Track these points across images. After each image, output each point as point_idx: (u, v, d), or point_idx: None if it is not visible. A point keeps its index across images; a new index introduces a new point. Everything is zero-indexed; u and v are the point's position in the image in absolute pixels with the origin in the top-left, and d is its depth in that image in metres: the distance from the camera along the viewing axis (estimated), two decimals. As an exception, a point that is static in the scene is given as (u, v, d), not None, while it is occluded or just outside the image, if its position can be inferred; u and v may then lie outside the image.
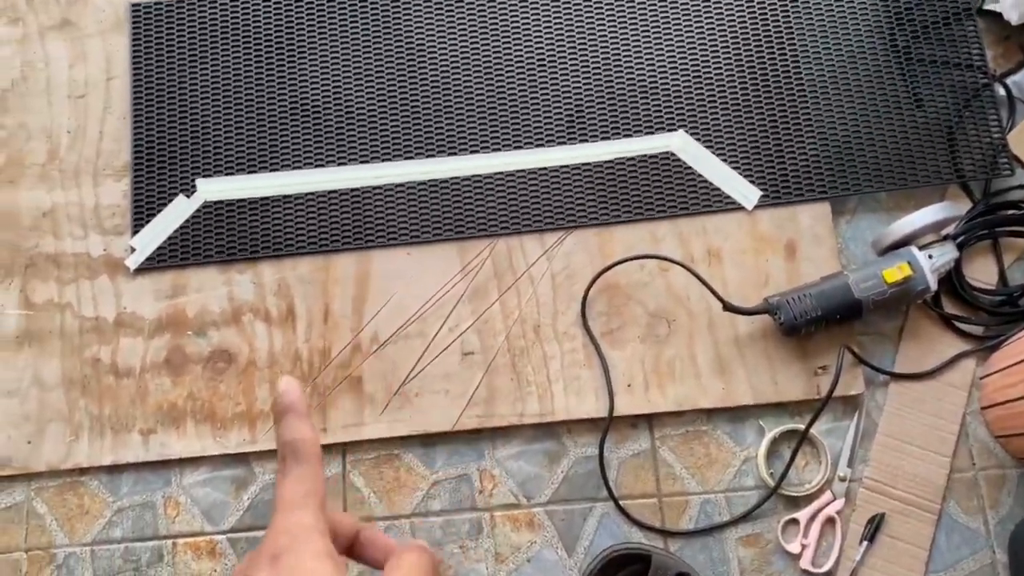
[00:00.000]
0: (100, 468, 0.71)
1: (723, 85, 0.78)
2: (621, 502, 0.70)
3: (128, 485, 0.71)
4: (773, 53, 0.78)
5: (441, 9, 0.80)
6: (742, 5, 0.80)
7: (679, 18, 0.79)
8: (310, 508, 0.31)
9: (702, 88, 0.78)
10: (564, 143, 0.77)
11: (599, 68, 0.78)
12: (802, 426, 0.70)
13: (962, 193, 0.76)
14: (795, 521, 0.69)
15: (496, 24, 0.80)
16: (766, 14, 0.79)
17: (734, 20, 0.79)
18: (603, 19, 0.80)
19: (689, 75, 0.78)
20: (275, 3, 0.80)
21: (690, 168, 0.75)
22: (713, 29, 0.79)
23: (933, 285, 0.69)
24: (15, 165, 0.76)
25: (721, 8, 0.80)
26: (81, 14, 0.80)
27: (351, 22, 0.80)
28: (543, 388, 0.71)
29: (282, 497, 0.31)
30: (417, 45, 0.79)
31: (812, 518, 0.69)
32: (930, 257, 0.70)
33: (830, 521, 0.69)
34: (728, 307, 0.69)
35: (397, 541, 0.34)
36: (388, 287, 0.73)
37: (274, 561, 0.29)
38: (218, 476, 0.71)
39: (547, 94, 0.78)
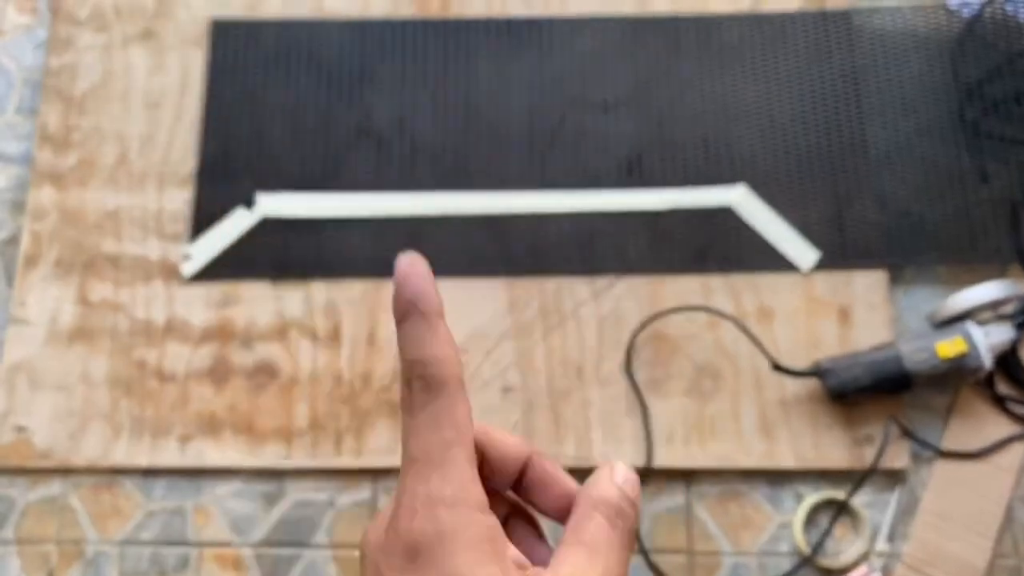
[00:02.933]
0: (136, 470, 0.72)
1: (787, 143, 0.77)
2: (651, 555, 0.69)
3: (161, 489, 0.72)
4: (839, 116, 0.78)
5: (508, 50, 0.81)
6: (812, 68, 0.80)
7: (746, 73, 0.80)
8: (457, 466, 0.22)
9: (765, 144, 0.78)
10: (622, 188, 0.77)
11: (662, 116, 0.79)
12: (842, 495, 0.69)
13: (1023, 273, 0.75)
14: (828, 593, 0.68)
15: (561, 66, 0.81)
16: (835, 77, 0.79)
17: (803, 80, 0.79)
18: (669, 68, 0.80)
19: (753, 130, 0.78)
20: (349, 33, 0.82)
21: (747, 225, 0.75)
22: (780, 87, 0.79)
23: (988, 364, 0.68)
24: (86, 166, 0.79)
25: (791, 68, 0.80)
26: (164, 27, 0.82)
27: (421, 56, 0.81)
28: (581, 432, 0.71)
29: (412, 450, 0.23)
30: (484, 82, 0.80)
31: (846, 592, 0.68)
32: (987, 335, 0.68)
33: (865, 597, 0.68)
34: (777, 367, 0.68)
35: (581, 489, 0.26)
36: (435, 316, 0.74)
37: (411, 559, 0.21)
38: (250, 489, 0.72)
39: (608, 139, 0.78)
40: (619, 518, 0.25)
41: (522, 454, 0.26)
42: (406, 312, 0.24)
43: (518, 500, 0.28)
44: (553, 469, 0.27)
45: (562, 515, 0.27)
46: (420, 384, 0.23)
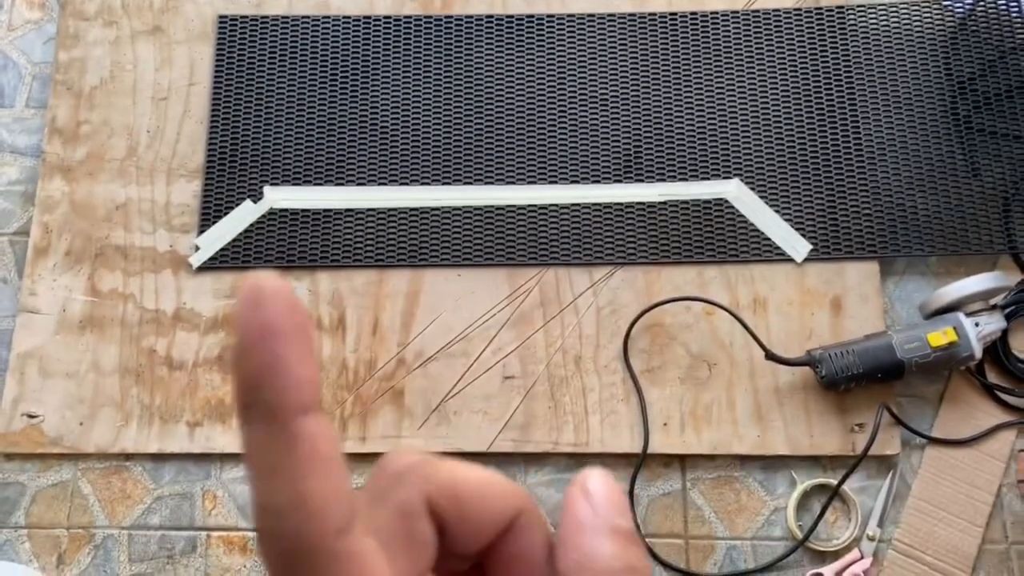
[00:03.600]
0: (145, 455, 0.74)
1: (781, 137, 0.79)
2: (647, 540, 0.71)
3: (170, 474, 0.74)
4: (833, 110, 0.80)
5: (509, 46, 0.83)
6: (806, 62, 0.81)
7: (742, 68, 0.81)
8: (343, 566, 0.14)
9: (760, 138, 0.79)
10: (620, 181, 0.78)
11: (659, 111, 0.80)
12: (834, 481, 0.70)
13: (1013, 265, 0.76)
14: (820, 576, 0.69)
15: (561, 62, 0.82)
16: (829, 74, 0.81)
17: (797, 76, 0.81)
18: (666, 64, 0.82)
19: (748, 125, 0.80)
20: (353, 26, 0.83)
21: (742, 216, 0.77)
22: (776, 81, 0.81)
23: (978, 353, 0.69)
24: (95, 159, 0.80)
25: (785, 63, 0.81)
26: (172, 22, 0.84)
27: (424, 51, 0.83)
28: (579, 419, 0.72)
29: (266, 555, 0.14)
30: (485, 77, 0.82)
31: (838, 575, 0.69)
32: (977, 325, 0.70)
33: (856, 580, 0.69)
34: (770, 356, 0.70)
35: (559, 556, 0.17)
36: (437, 305, 0.76)
37: None
38: (256, 474, 0.73)
39: (607, 133, 0.80)
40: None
41: (504, 518, 0.18)
42: (247, 403, 0.15)
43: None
44: (532, 548, 0.18)
45: None
46: (275, 550, 0.14)
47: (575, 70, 0.82)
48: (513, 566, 0.18)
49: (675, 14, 0.83)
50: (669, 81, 0.81)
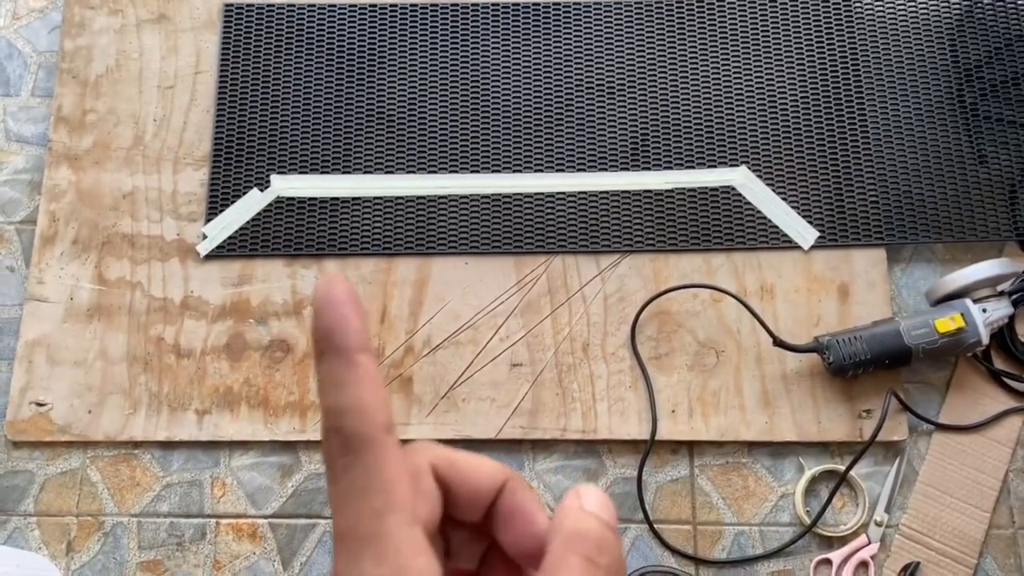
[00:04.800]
0: (154, 443, 0.74)
1: (787, 125, 0.79)
2: (656, 526, 0.71)
3: (179, 462, 0.74)
4: (840, 98, 0.80)
5: (515, 34, 0.83)
6: (812, 50, 0.81)
7: (748, 56, 0.81)
8: (392, 541, 0.19)
9: (767, 126, 0.79)
10: (627, 169, 0.78)
11: (666, 99, 0.80)
12: (842, 467, 0.70)
13: (1020, 251, 0.77)
14: (828, 561, 0.70)
15: (567, 50, 0.82)
16: (836, 61, 0.81)
17: (804, 63, 0.81)
18: (672, 51, 0.82)
19: (755, 112, 0.80)
20: (359, 14, 0.83)
21: (749, 204, 0.77)
22: (782, 69, 0.81)
23: (985, 339, 0.69)
24: (102, 147, 0.80)
25: (792, 51, 0.81)
26: (177, 10, 0.84)
27: (430, 39, 0.83)
28: (587, 406, 0.73)
29: (338, 526, 0.19)
30: (491, 65, 0.82)
31: (845, 560, 0.69)
32: (984, 311, 0.70)
33: (863, 565, 0.69)
34: (778, 342, 0.70)
35: (550, 525, 0.21)
36: (445, 293, 0.76)
37: None
38: (265, 462, 0.73)
39: (614, 121, 0.80)
40: (601, 554, 0.21)
41: (495, 480, 0.22)
42: (322, 349, 0.20)
43: None
44: (526, 502, 0.22)
45: (529, 560, 0.22)
46: (338, 441, 0.20)
47: (582, 57, 0.82)
48: (512, 521, 0.22)
49: (681, 1, 0.83)
50: (675, 69, 0.81)
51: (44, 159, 0.80)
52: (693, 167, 0.78)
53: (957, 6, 0.83)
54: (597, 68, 0.82)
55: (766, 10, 0.83)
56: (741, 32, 0.82)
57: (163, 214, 0.78)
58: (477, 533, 0.24)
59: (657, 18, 0.83)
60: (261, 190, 0.78)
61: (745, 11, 0.83)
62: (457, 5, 0.84)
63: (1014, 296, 0.73)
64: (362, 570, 0.19)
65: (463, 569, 0.24)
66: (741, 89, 0.80)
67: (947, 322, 0.69)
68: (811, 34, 0.82)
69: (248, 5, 0.84)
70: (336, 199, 0.78)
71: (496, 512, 0.23)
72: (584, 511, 0.21)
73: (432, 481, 0.22)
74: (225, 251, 0.77)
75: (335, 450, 0.20)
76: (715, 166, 0.78)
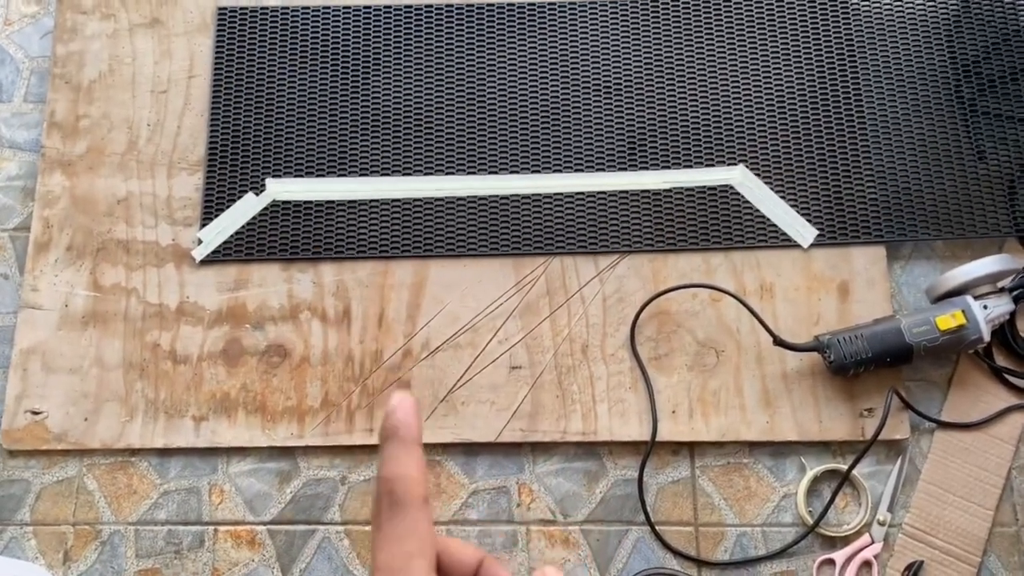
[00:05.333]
0: (151, 450, 0.73)
1: (786, 123, 0.79)
2: (657, 528, 0.70)
3: (176, 469, 0.73)
4: (837, 96, 0.79)
5: (511, 34, 0.82)
6: (809, 47, 0.81)
7: (745, 54, 0.81)
8: (416, 574, 0.25)
9: (764, 125, 0.79)
10: (624, 169, 0.78)
11: (663, 98, 0.80)
12: (844, 466, 0.70)
13: (1020, 247, 0.76)
14: (831, 562, 0.69)
15: (565, 50, 0.82)
16: (833, 59, 0.80)
17: (801, 61, 0.80)
18: (669, 50, 0.81)
19: (752, 111, 0.79)
20: (353, 16, 0.83)
21: (748, 203, 0.76)
22: (779, 67, 0.80)
23: (986, 336, 0.69)
24: (96, 153, 0.80)
25: (788, 48, 0.81)
26: (170, 14, 0.83)
27: (425, 41, 0.82)
28: (587, 407, 0.72)
29: (378, 561, 0.25)
30: (488, 66, 0.81)
31: (848, 560, 0.69)
32: (985, 308, 0.70)
33: (867, 564, 0.69)
34: (778, 342, 0.70)
35: None
36: (443, 296, 0.75)
37: None
38: (263, 468, 0.73)
39: (611, 121, 0.79)
40: None
41: (474, 559, 0.28)
42: (389, 436, 0.27)
43: None
44: (498, 573, 0.28)
45: None
46: (388, 500, 0.26)
47: (578, 58, 0.82)
48: None
49: (678, 1, 0.83)
50: (672, 67, 0.81)
51: (37, 165, 0.80)
52: (691, 166, 0.78)
53: (954, 2, 0.82)
54: (594, 68, 0.81)
55: (763, 8, 0.82)
56: (738, 30, 0.82)
57: (158, 219, 0.78)
58: None
59: (653, 17, 0.82)
60: (256, 194, 0.78)
61: (742, 9, 0.82)
62: (452, 7, 0.83)
63: (1015, 292, 0.72)
64: None
65: None
66: (738, 88, 0.80)
67: (948, 319, 0.69)
68: (808, 32, 0.81)
69: (241, 8, 0.83)
70: (332, 202, 0.77)
71: None
72: None
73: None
74: (221, 256, 0.76)
75: (384, 506, 0.26)
76: (713, 165, 0.78)
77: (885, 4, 0.82)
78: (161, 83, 0.81)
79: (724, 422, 0.71)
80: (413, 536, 0.25)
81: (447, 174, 0.78)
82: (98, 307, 0.76)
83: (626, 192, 0.77)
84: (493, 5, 0.83)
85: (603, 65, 0.81)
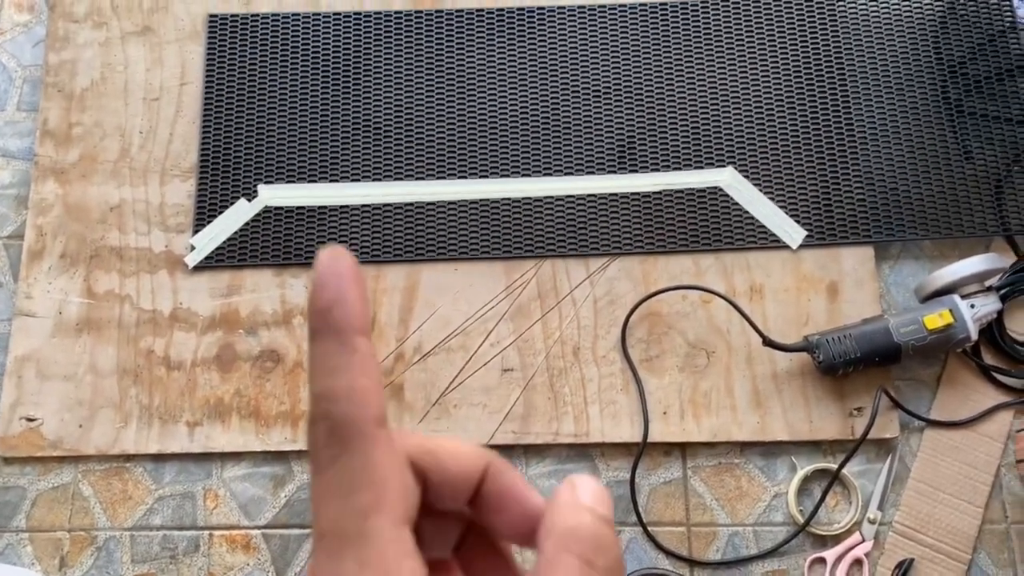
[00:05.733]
0: (146, 456, 0.74)
1: (774, 125, 0.79)
2: (649, 528, 0.71)
3: (171, 474, 0.73)
4: (825, 97, 0.80)
5: (501, 39, 0.83)
6: (796, 49, 0.81)
7: (733, 56, 0.81)
8: (377, 543, 0.18)
9: (752, 126, 0.79)
10: (614, 172, 0.79)
11: (652, 101, 0.80)
12: (834, 466, 0.71)
13: (1007, 246, 0.77)
14: (822, 560, 0.70)
15: (553, 54, 0.82)
16: (820, 60, 0.81)
17: (788, 63, 0.81)
18: (658, 54, 0.82)
19: (740, 113, 0.80)
20: (344, 23, 0.83)
21: (737, 204, 0.77)
22: (767, 68, 0.81)
23: (974, 334, 0.69)
24: (88, 160, 0.80)
25: (776, 51, 0.82)
26: (162, 22, 0.84)
27: (415, 46, 0.83)
28: (579, 409, 0.73)
29: (320, 523, 0.18)
30: (478, 70, 0.82)
31: (839, 558, 0.69)
32: (972, 307, 0.70)
33: (857, 563, 0.70)
34: (768, 342, 0.70)
35: (542, 522, 0.20)
36: (434, 300, 0.76)
37: None
38: (258, 472, 0.73)
39: (600, 124, 0.80)
40: (598, 553, 0.19)
41: (477, 466, 0.21)
42: (319, 327, 0.19)
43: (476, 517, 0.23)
44: (513, 482, 0.21)
45: (524, 540, 0.21)
46: (326, 429, 0.18)
47: (567, 62, 0.82)
48: (503, 503, 0.21)
49: (665, 3, 0.83)
50: (661, 71, 0.82)
51: (30, 173, 0.80)
52: (680, 169, 0.78)
53: (939, 4, 0.83)
54: (583, 72, 0.82)
55: (750, 11, 0.83)
56: (725, 33, 0.82)
57: (151, 226, 0.78)
58: (450, 520, 0.23)
59: (642, 21, 0.83)
60: (248, 200, 0.78)
61: (729, 12, 0.83)
62: (441, 11, 0.84)
63: (1002, 291, 0.73)
64: (342, 571, 0.17)
65: (436, 558, 0.22)
66: (726, 90, 0.81)
67: (936, 318, 0.69)
68: (795, 34, 0.82)
69: (232, 15, 0.84)
70: (324, 208, 0.78)
71: (483, 497, 0.21)
72: (579, 506, 0.20)
73: (410, 474, 0.20)
74: (213, 262, 0.77)
75: (321, 439, 0.18)
76: (702, 167, 0.78)
77: (871, 6, 0.83)
78: (153, 91, 0.82)
79: (715, 423, 0.72)
80: (366, 480, 0.18)
81: (438, 178, 0.79)
82: (92, 314, 0.76)
83: (616, 195, 0.78)
84: (482, 10, 0.84)
85: (592, 69, 0.82)
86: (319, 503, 0.18)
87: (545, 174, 0.79)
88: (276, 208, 0.78)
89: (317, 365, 0.19)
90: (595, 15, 0.83)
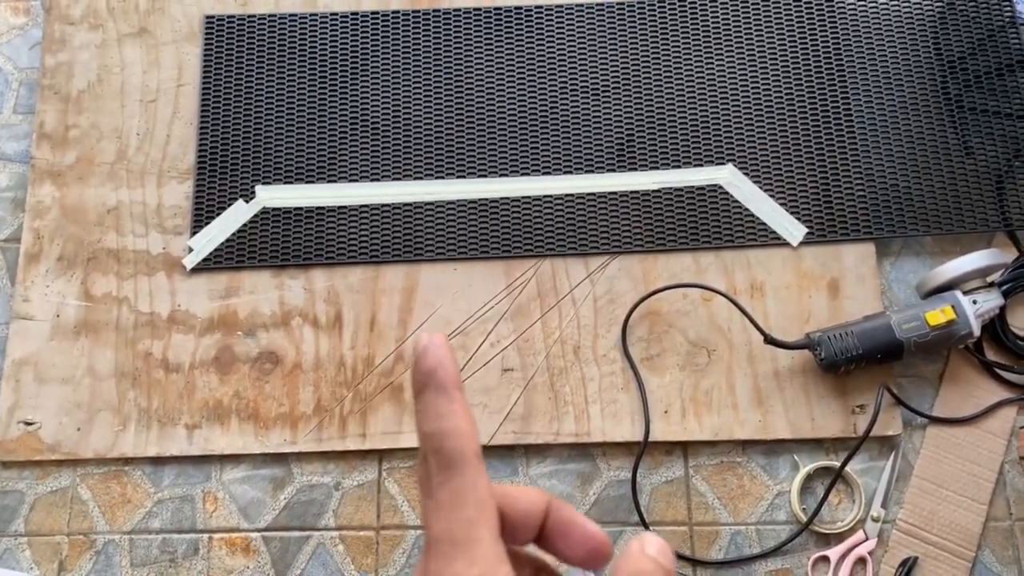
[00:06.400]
0: (144, 459, 0.73)
1: (773, 122, 0.79)
2: (652, 528, 0.70)
3: (170, 477, 0.73)
4: (825, 94, 0.80)
5: (499, 38, 0.82)
6: (796, 46, 0.81)
7: (732, 53, 0.81)
8: (482, 546, 0.22)
9: (752, 123, 0.79)
10: (614, 170, 0.78)
11: (651, 99, 0.80)
12: (837, 463, 0.70)
13: (1009, 242, 0.76)
14: (826, 559, 0.69)
15: (552, 52, 0.82)
16: (819, 57, 0.81)
17: (787, 60, 0.81)
18: (657, 52, 0.82)
19: (740, 110, 0.79)
20: (341, 23, 0.83)
21: (737, 202, 0.77)
22: (767, 66, 0.81)
23: (976, 331, 0.69)
24: (85, 163, 0.80)
25: (775, 47, 0.81)
26: (158, 23, 0.83)
27: (413, 45, 0.82)
28: (580, 409, 0.72)
29: (434, 532, 0.22)
30: (475, 70, 0.82)
31: (843, 557, 0.69)
32: (974, 302, 0.70)
33: (861, 561, 0.69)
34: (769, 340, 0.70)
35: (614, 567, 0.24)
36: (434, 300, 0.75)
37: None
38: (257, 475, 0.73)
39: (599, 122, 0.80)
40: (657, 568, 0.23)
41: (541, 505, 0.25)
42: (424, 384, 0.23)
43: (542, 559, 0.27)
44: (571, 514, 0.25)
45: (587, 561, 0.25)
46: (437, 460, 0.23)
47: (565, 60, 0.82)
48: (567, 531, 0.25)
49: (664, 1, 0.83)
50: (660, 69, 0.81)
51: (27, 176, 0.80)
52: (680, 167, 0.78)
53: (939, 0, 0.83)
54: (582, 70, 0.81)
55: (749, 8, 0.83)
56: (725, 31, 0.82)
57: (148, 228, 0.78)
58: (522, 562, 0.26)
59: (640, 19, 0.83)
60: (246, 201, 0.78)
61: (728, 10, 0.83)
62: (439, 11, 0.83)
63: (1004, 287, 0.73)
64: (455, 570, 0.21)
65: None
66: (726, 87, 0.80)
67: (938, 315, 0.69)
68: (794, 31, 0.82)
69: (229, 16, 0.83)
70: (322, 208, 0.78)
71: (548, 528, 0.25)
72: (645, 555, 0.24)
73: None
74: (212, 264, 0.76)
75: (433, 469, 0.23)
76: (702, 165, 0.78)
77: (870, 2, 0.82)
78: (150, 92, 0.82)
79: (717, 421, 0.71)
80: (472, 499, 0.22)
81: (436, 178, 0.78)
82: (90, 317, 0.76)
83: (616, 193, 0.77)
84: (480, 9, 0.83)
85: (591, 67, 0.81)
86: (431, 518, 0.22)
87: (544, 173, 0.78)
88: (274, 209, 0.78)
89: (426, 412, 0.23)
90: (593, 13, 0.83)
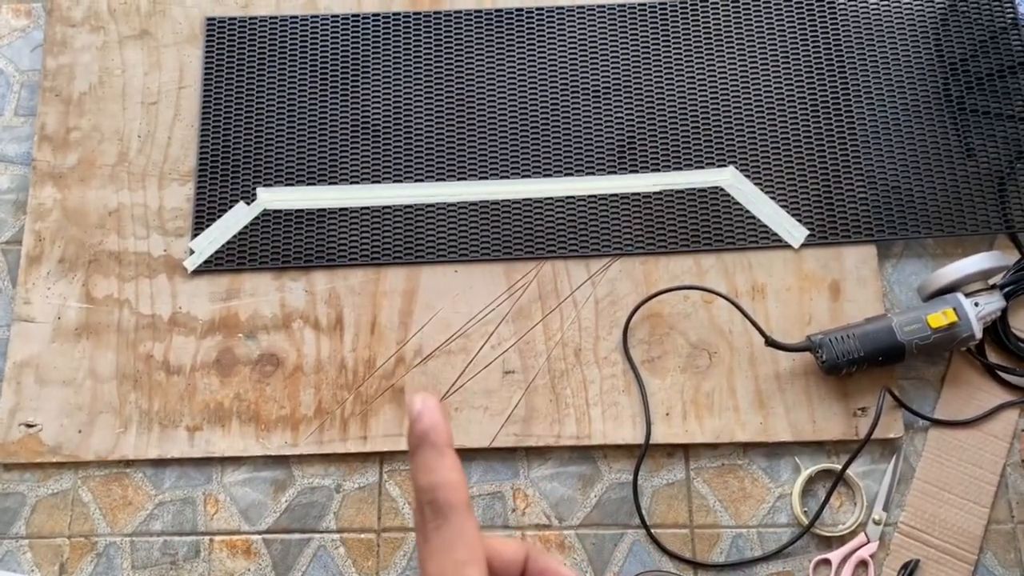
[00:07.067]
0: (145, 461, 0.73)
1: (775, 124, 0.79)
2: (653, 530, 0.70)
3: (171, 480, 0.73)
4: (827, 96, 0.79)
5: (499, 40, 0.82)
6: (798, 48, 0.81)
7: (733, 55, 0.81)
8: None
9: (753, 125, 0.79)
10: (615, 172, 0.78)
11: (652, 101, 0.80)
12: (838, 466, 0.70)
13: (1011, 244, 0.76)
14: (827, 562, 0.69)
15: (553, 54, 0.82)
16: (821, 59, 0.81)
17: (789, 62, 0.81)
18: (658, 53, 0.82)
19: (741, 112, 0.79)
20: (342, 25, 0.83)
21: (738, 204, 0.77)
22: (768, 68, 0.81)
23: (978, 333, 0.69)
24: (87, 165, 0.80)
25: (776, 49, 0.81)
26: (159, 25, 0.83)
27: (413, 47, 0.82)
28: (581, 411, 0.72)
29: (429, 572, 0.25)
30: (477, 72, 0.82)
31: (844, 560, 0.69)
32: (976, 305, 0.70)
33: (863, 564, 0.69)
34: (770, 342, 0.70)
35: None
36: (435, 302, 0.75)
37: None
38: (258, 477, 0.73)
39: (600, 124, 0.80)
40: None
41: (520, 554, 0.27)
42: (420, 443, 0.26)
43: None
44: (548, 561, 0.28)
45: None
46: (431, 508, 0.25)
47: (566, 62, 0.82)
48: (543, 574, 0.27)
49: (665, 3, 0.83)
50: (661, 70, 0.81)
51: (29, 178, 0.80)
52: (681, 169, 0.78)
53: (940, 1, 0.82)
54: (582, 72, 0.81)
55: (751, 10, 0.83)
56: (726, 33, 0.82)
57: (149, 230, 0.78)
58: None
59: (641, 21, 0.83)
60: (247, 203, 0.78)
61: (730, 12, 0.83)
62: (440, 12, 0.83)
63: (1006, 289, 0.73)
64: None
65: None
66: (727, 89, 0.80)
67: (939, 317, 0.69)
68: (796, 32, 0.82)
69: (231, 18, 0.83)
70: (323, 210, 0.78)
71: (528, 573, 0.27)
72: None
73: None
74: (213, 266, 0.76)
75: (428, 517, 0.25)
76: (703, 167, 0.78)
77: (872, 4, 0.82)
78: (151, 94, 0.82)
79: (718, 424, 0.71)
80: (462, 543, 0.25)
81: (437, 180, 0.78)
82: (91, 319, 0.76)
83: (617, 195, 0.77)
84: (480, 11, 0.83)
85: (591, 69, 0.81)
86: (427, 560, 0.25)
87: (545, 175, 0.78)
88: (275, 211, 0.78)
89: (421, 467, 0.26)
90: (594, 15, 0.83)
